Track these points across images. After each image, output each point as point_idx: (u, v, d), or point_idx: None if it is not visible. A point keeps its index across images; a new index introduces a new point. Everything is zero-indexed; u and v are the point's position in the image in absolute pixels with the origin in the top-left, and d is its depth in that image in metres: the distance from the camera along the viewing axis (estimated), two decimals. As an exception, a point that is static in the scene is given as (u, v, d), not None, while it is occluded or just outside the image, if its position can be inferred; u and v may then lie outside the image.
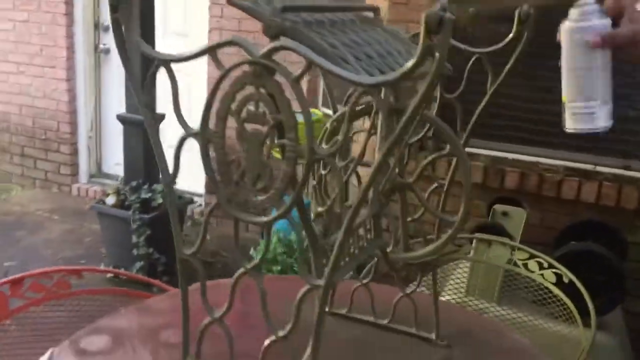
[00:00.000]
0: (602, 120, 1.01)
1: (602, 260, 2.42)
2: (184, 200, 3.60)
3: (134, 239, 3.22)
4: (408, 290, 1.54)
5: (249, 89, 0.89)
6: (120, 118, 3.30)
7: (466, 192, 1.33)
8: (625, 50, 0.98)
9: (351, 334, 1.52)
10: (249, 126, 0.91)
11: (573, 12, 1.01)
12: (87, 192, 4.75)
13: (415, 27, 3.11)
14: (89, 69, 4.62)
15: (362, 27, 1.17)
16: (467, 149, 3.13)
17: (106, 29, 4.59)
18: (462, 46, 1.38)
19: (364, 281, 1.55)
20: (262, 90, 0.87)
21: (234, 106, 0.90)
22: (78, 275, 1.69)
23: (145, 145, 3.27)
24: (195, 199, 4.42)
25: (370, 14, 1.26)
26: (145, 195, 3.29)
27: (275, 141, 0.89)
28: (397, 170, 1.40)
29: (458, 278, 2.64)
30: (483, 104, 1.38)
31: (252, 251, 3.13)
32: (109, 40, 4.62)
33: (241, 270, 0.96)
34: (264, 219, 0.91)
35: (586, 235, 2.61)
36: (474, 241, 2.28)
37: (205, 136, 0.92)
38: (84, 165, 4.82)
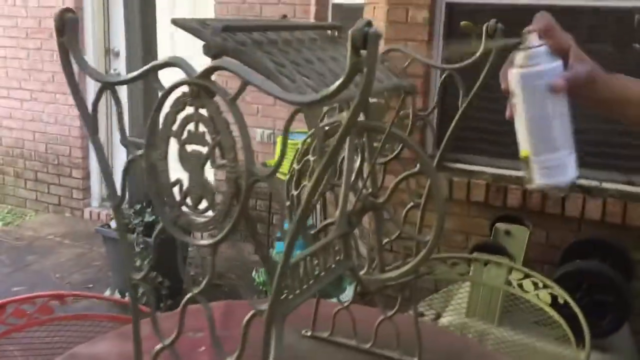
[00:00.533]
0: (572, 169, 0.92)
1: (607, 279, 2.35)
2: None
3: (138, 262, 3.23)
4: (390, 312, 1.51)
5: (190, 110, 0.88)
6: (124, 143, 3.32)
7: (439, 212, 1.29)
8: (582, 92, 0.92)
9: (333, 358, 1.49)
10: (191, 147, 0.89)
11: (521, 57, 0.92)
12: (99, 216, 4.79)
13: (413, 46, 3.09)
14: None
15: (322, 45, 1.16)
16: (470, 167, 3.07)
17: (117, 54, 4.66)
18: (432, 62, 1.36)
19: (345, 303, 1.52)
20: (201, 111, 0.86)
21: (175, 127, 0.89)
22: (61, 300, 1.69)
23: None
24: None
25: (333, 32, 1.25)
26: (149, 218, 3.29)
27: (216, 162, 0.88)
28: (369, 189, 1.38)
29: (460, 299, 2.59)
30: (455, 120, 1.35)
31: (254, 273, 3.11)
32: (119, 65, 4.69)
33: (188, 295, 0.94)
34: (204, 242, 0.90)
35: (591, 253, 2.54)
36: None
37: (149, 158, 0.91)
38: (96, 189, 4.86)
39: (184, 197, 0.90)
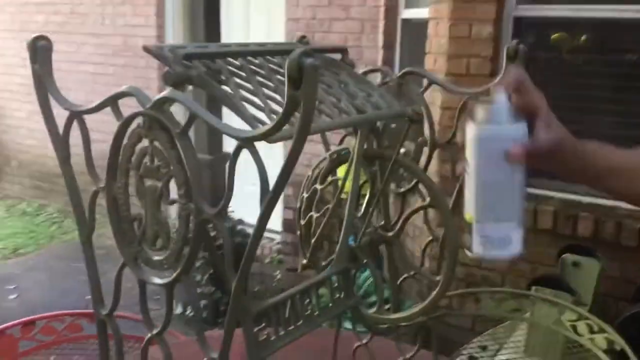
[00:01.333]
0: (516, 245, 0.82)
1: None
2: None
3: (198, 277, 3.26)
4: (409, 354, 1.41)
5: (145, 142, 0.84)
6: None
7: (450, 249, 1.19)
8: (547, 163, 0.81)
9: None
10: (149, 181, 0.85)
11: (481, 113, 0.80)
12: (175, 228, 4.91)
13: (476, 62, 2.94)
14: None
15: (323, 71, 1.08)
16: (536, 191, 2.85)
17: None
18: (450, 87, 1.26)
19: (364, 341, 1.43)
20: (155, 143, 0.82)
21: (133, 159, 0.85)
22: (90, 318, 1.71)
23: (212, 183, 3.32)
24: (273, 236, 4.44)
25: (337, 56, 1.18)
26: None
27: (169, 198, 0.83)
28: (381, 222, 1.28)
29: (520, 335, 2.41)
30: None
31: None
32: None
33: (149, 335, 0.89)
34: (159, 281, 0.85)
35: (671, 291, 2.30)
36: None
37: (110, 191, 0.88)
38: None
39: (142, 233, 0.86)
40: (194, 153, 0.79)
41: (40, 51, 0.91)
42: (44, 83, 0.91)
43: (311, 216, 1.28)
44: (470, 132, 0.81)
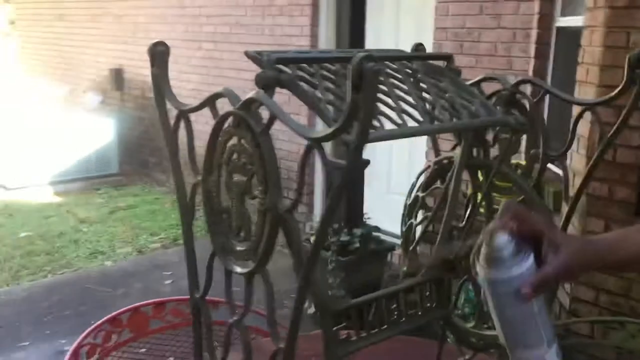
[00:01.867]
0: None
1: None
2: (385, 245, 3.62)
3: (330, 280, 3.33)
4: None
5: (234, 140, 0.90)
6: (326, 163, 3.48)
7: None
8: (562, 281, 0.80)
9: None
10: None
11: (486, 258, 0.81)
12: (318, 231, 5.06)
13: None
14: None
15: (423, 77, 1.08)
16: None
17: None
18: (566, 97, 1.20)
19: (467, 357, 1.40)
20: (242, 141, 0.88)
21: (225, 155, 0.92)
22: (214, 305, 1.83)
23: (348, 190, 3.40)
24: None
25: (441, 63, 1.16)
26: (344, 238, 3.39)
27: (254, 193, 0.88)
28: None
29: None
30: (592, 162, 1.16)
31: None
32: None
33: (230, 321, 0.95)
34: (241, 270, 0.91)
35: None
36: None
37: (206, 184, 0.96)
38: (318, 205, 5.15)
39: (228, 225, 0.93)
40: (273, 152, 0.84)
41: (158, 55, 1.01)
42: (159, 83, 1.01)
43: (411, 223, 1.28)
44: (480, 274, 0.83)
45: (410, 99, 0.98)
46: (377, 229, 3.63)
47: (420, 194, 1.27)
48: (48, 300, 3.81)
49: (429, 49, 4.06)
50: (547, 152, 1.21)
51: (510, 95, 1.24)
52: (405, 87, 0.97)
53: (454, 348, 1.42)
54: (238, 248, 0.91)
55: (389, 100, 0.93)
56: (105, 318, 1.74)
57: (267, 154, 0.83)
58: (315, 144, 0.75)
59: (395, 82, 1.02)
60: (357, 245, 3.36)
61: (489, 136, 1.27)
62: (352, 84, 0.68)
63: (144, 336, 1.77)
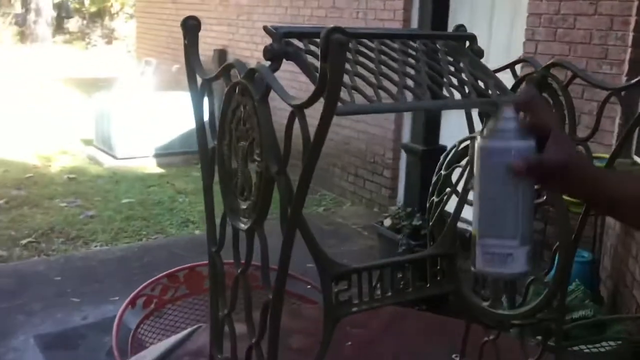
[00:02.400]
0: (519, 264, 0.79)
1: None
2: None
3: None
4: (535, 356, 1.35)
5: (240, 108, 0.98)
6: (403, 147, 3.51)
7: (562, 246, 1.12)
8: (551, 181, 0.78)
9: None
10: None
11: (488, 128, 0.80)
12: (400, 215, 5.09)
13: None
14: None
15: (433, 56, 1.11)
16: None
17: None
18: (594, 81, 1.18)
19: (491, 337, 1.41)
20: (247, 108, 0.96)
21: (234, 122, 1.00)
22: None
23: (422, 174, 3.40)
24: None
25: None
26: (416, 222, 3.41)
27: (254, 156, 0.96)
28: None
29: None
30: (616, 146, 1.14)
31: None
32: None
33: (236, 274, 1.04)
34: (242, 226, 0.99)
35: None
36: None
37: (220, 148, 1.05)
38: (402, 189, 5.17)
39: (234, 186, 1.01)
40: (269, 119, 0.91)
41: (189, 29, 1.10)
42: (189, 54, 1.11)
43: (432, 201, 1.31)
44: (476, 146, 0.81)
45: (395, 76, 1.01)
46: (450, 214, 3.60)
47: (443, 172, 1.30)
48: (140, 261, 4.11)
49: (521, 35, 3.96)
50: (573, 137, 1.20)
51: (542, 78, 1.23)
52: (394, 65, 1.00)
53: (481, 328, 1.44)
54: (242, 207, 1.00)
55: (371, 77, 0.96)
56: (163, 274, 1.89)
57: (264, 120, 0.90)
58: (297, 110, 0.82)
59: (386, 59, 1.04)
60: (429, 230, 3.37)
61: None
62: (320, 53, 0.74)
63: (198, 293, 1.91)
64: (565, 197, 1.14)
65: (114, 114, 6.59)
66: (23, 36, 18.35)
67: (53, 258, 4.20)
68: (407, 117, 4.91)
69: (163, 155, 6.73)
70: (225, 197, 1.04)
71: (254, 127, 0.93)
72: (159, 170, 6.53)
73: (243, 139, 0.97)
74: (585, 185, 0.79)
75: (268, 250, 0.97)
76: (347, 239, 4.69)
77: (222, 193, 1.05)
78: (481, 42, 1.21)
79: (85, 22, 20.10)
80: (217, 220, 1.12)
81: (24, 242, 4.45)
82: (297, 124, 0.85)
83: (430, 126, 3.32)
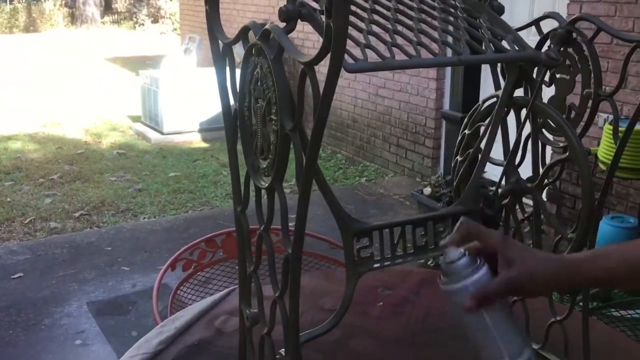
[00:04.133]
0: None
1: None
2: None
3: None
4: (559, 317, 1.35)
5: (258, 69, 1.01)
6: (443, 115, 3.48)
7: (585, 201, 1.12)
8: (517, 294, 0.82)
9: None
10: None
11: (443, 271, 0.85)
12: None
13: None
14: (456, 69, 4.89)
15: (451, 12, 1.11)
16: None
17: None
18: (618, 34, 1.16)
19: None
20: (264, 69, 0.98)
21: (252, 83, 1.03)
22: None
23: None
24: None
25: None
26: (456, 189, 3.39)
27: (271, 115, 0.99)
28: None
29: None
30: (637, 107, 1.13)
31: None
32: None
33: (259, 231, 1.08)
34: (263, 183, 1.02)
35: None
36: None
37: (241, 109, 1.08)
38: (443, 158, 5.13)
39: (255, 145, 1.05)
40: (284, 78, 0.94)
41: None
42: (210, 20, 1.14)
43: (457, 161, 1.31)
44: (442, 288, 0.86)
45: (411, 34, 1.02)
46: (492, 183, 3.57)
47: (467, 132, 1.30)
48: (186, 232, 4.24)
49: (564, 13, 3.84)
50: (598, 92, 1.18)
51: (566, 33, 1.21)
52: (410, 22, 1.01)
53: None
54: (262, 166, 1.03)
55: (385, 35, 0.97)
56: (201, 238, 1.96)
57: (278, 79, 0.92)
58: (306, 67, 0.84)
59: (400, 16, 1.05)
60: (469, 197, 3.35)
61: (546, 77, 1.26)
62: (325, 9, 0.76)
63: (235, 257, 1.96)
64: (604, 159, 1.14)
65: (160, 91, 6.73)
66: (73, 17, 18.82)
67: (104, 229, 4.37)
68: (448, 86, 4.85)
69: (207, 130, 6.85)
70: (247, 157, 1.08)
71: (269, 86, 0.96)
72: (204, 145, 6.66)
73: (261, 99, 1.00)
74: (561, 279, 0.81)
75: (287, 208, 1.00)
76: (389, 209, 4.70)
77: (244, 153, 1.09)
78: (524, 6, 1.21)
79: (132, 1, 20.43)
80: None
81: (76, 214, 4.64)
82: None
83: (468, 93, 3.28)
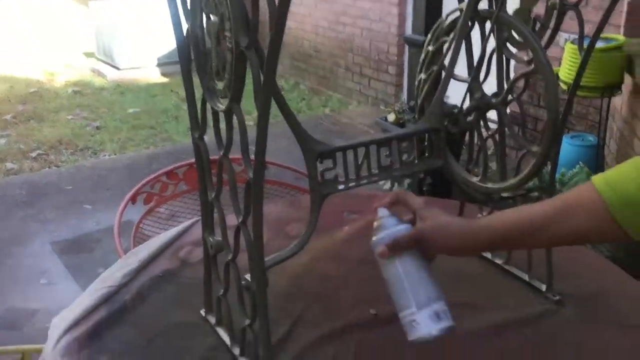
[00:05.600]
0: (425, 326, 0.88)
1: None
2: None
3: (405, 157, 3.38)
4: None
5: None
6: (406, 40, 3.42)
7: (551, 111, 1.11)
8: (421, 248, 0.92)
9: (464, 267, 1.43)
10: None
11: (374, 228, 0.96)
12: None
13: None
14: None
15: None
16: None
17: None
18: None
19: (485, 213, 1.42)
20: (216, -18, 0.92)
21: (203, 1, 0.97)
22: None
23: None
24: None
25: None
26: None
27: (225, 32, 0.93)
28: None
29: None
30: (606, 11, 1.10)
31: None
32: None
33: (220, 154, 1.04)
34: (221, 106, 0.98)
35: None
36: None
37: (194, 29, 1.02)
38: (406, 87, 5.09)
39: (210, 66, 0.99)
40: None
41: None
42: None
43: (420, 78, 1.28)
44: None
45: None
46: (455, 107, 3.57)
47: (431, 48, 1.26)
48: (148, 168, 4.15)
49: None
50: (563, 1, 1.15)
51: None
52: None
53: (475, 208, 1.45)
54: (218, 87, 0.98)
55: None
56: (162, 170, 1.91)
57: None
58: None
59: None
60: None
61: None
62: None
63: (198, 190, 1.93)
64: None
65: (114, 24, 6.46)
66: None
67: (63, 169, 4.26)
68: (410, 11, 4.76)
69: (166, 64, 6.64)
70: (202, 80, 1.03)
71: (221, 0, 0.90)
72: (163, 80, 6.47)
73: (213, 14, 0.94)
74: (452, 243, 0.91)
75: (247, 133, 0.96)
76: (354, 139, 4.67)
77: (199, 75, 1.03)
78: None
79: None
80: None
81: (33, 154, 4.51)
82: None
83: (431, 16, 3.21)
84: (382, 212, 0.95)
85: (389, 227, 0.93)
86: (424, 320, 0.88)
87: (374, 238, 0.95)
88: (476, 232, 0.91)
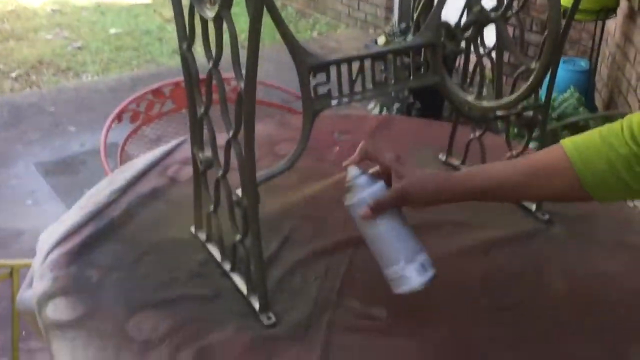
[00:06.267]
0: (414, 278, 0.92)
1: None
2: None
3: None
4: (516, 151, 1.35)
5: None
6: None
7: (552, 24, 1.07)
8: (405, 205, 0.94)
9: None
10: None
11: (346, 188, 0.96)
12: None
13: None
14: None
15: None
16: None
17: None
18: None
19: (477, 134, 1.41)
20: None
21: None
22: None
23: None
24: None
25: None
26: (411, 38, 3.30)
27: None
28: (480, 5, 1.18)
29: None
30: None
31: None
32: None
33: (208, 69, 1.00)
34: (209, 14, 0.93)
35: None
36: None
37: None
38: (396, 10, 4.97)
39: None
40: None
41: None
42: None
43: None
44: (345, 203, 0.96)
45: None
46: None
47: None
48: (132, 90, 4.02)
49: None
50: None
51: None
52: None
53: (468, 129, 1.43)
54: (207, -8, 0.93)
55: None
56: (148, 89, 1.86)
57: None
58: None
59: None
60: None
61: None
62: None
63: (186, 107, 1.89)
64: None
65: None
66: None
67: (45, 90, 4.16)
68: None
69: (148, -18, 6.40)
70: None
71: None
72: (145, 0, 6.25)
73: None
74: (437, 193, 0.93)
75: (238, 42, 0.92)
76: (342, 62, 4.59)
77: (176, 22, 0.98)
78: None
79: None
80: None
81: (13, 75, 4.39)
82: None
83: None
84: (353, 171, 0.95)
85: (364, 186, 0.94)
86: (412, 273, 0.92)
87: (351, 200, 0.95)
88: (457, 182, 0.95)
